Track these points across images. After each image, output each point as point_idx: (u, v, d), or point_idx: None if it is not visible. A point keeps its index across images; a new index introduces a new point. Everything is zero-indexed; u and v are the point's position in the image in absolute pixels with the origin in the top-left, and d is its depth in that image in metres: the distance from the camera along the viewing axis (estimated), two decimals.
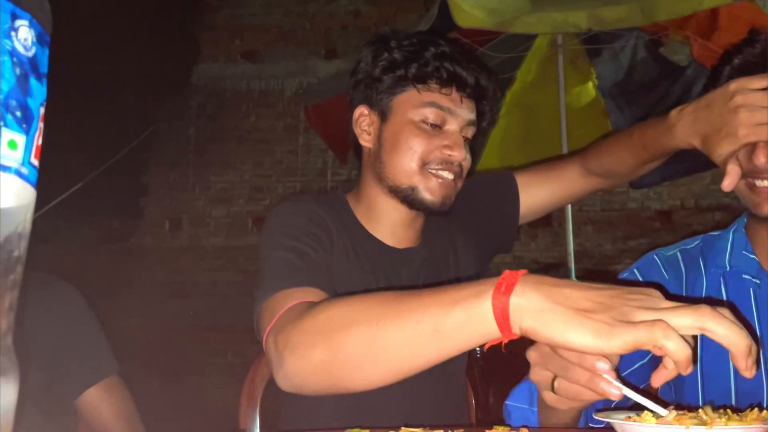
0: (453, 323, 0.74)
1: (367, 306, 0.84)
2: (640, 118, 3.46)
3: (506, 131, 3.89)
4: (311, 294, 1.06)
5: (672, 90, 3.39)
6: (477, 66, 1.31)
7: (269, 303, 1.07)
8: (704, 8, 2.76)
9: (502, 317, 0.71)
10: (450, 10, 2.83)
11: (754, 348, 0.67)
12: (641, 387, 1.16)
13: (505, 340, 0.73)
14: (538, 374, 0.82)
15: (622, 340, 0.65)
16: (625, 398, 0.76)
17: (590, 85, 3.78)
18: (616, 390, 0.73)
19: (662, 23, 3.03)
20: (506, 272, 0.73)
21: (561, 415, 0.95)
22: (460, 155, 1.27)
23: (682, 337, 0.66)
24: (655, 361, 1.17)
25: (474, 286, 0.74)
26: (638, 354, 1.13)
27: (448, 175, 1.28)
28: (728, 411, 0.77)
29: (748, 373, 0.67)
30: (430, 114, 1.27)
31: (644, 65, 3.53)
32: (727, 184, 0.98)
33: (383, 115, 1.31)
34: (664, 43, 3.57)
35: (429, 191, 1.28)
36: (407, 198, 1.30)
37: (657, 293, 0.71)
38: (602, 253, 4.87)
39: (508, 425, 0.96)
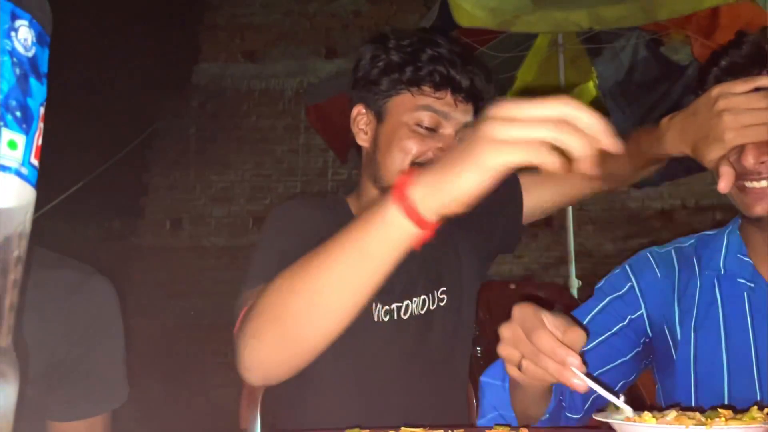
0: (375, 241, 0.80)
1: (295, 269, 0.88)
2: (640, 117, 3.46)
3: None
4: None
5: (673, 89, 3.39)
6: (474, 67, 1.30)
7: (240, 302, 1.11)
8: (705, 7, 2.76)
9: (412, 213, 0.76)
10: (451, 9, 2.83)
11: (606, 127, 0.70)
12: (622, 383, 1.16)
13: (429, 233, 0.78)
14: (506, 351, 0.87)
15: (500, 163, 0.71)
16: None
17: (591, 84, 3.78)
18: (582, 383, 0.78)
19: (663, 22, 3.03)
20: (397, 181, 0.78)
21: (529, 390, 0.97)
22: None
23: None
24: (639, 358, 1.17)
25: (375, 207, 0.80)
26: (619, 351, 1.14)
27: None
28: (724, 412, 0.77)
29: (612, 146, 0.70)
30: (425, 117, 1.27)
31: (645, 65, 3.53)
32: (723, 186, 1.00)
33: (379, 116, 1.32)
34: (664, 43, 3.57)
35: None
36: None
37: (501, 107, 0.75)
38: (603, 252, 4.87)
39: (508, 425, 0.97)
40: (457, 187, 0.73)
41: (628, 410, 0.80)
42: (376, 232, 0.79)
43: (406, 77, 1.27)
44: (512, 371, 0.87)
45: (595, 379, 0.81)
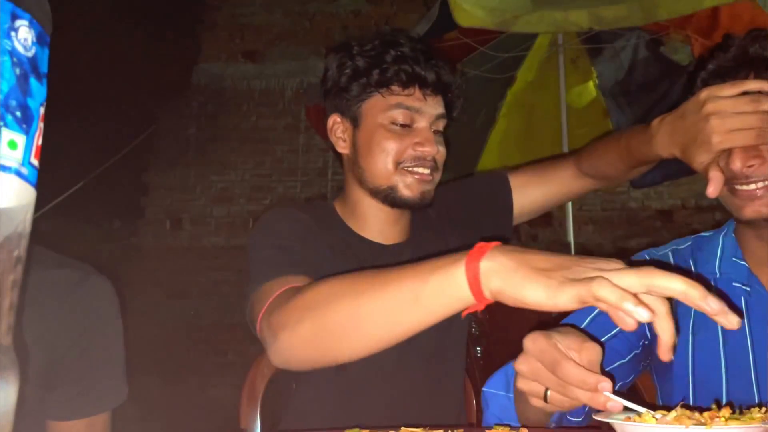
0: (431, 290, 0.80)
1: (351, 281, 0.90)
2: (640, 117, 3.46)
3: (507, 131, 3.89)
4: (299, 280, 1.11)
5: (673, 89, 3.38)
6: (438, 60, 1.36)
7: (260, 293, 1.12)
8: (705, 7, 2.76)
9: (474, 280, 0.75)
10: (450, 9, 2.83)
11: (707, 293, 0.68)
12: (619, 384, 1.16)
13: (481, 307, 0.77)
14: (529, 386, 0.84)
15: (569, 296, 0.70)
16: None
17: (591, 84, 3.78)
18: (618, 405, 0.76)
19: (663, 22, 3.03)
20: (479, 243, 0.78)
21: (538, 409, 0.96)
22: (432, 150, 1.32)
23: (647, 301, 0.69)
24: (637, 360, 1.17)
25: (451, 256, 0.80)
26: (618, 353, 1.14)
27: (424, 170, 1.33)
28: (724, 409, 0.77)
29: (711, 309, 0.67)
30: (398, 115, 1.32)
31: (645, 64, 3.53)
32: (711, 190, 0.99)
33: (355, 122, 1.37)
34: (664, 43, 3.56)
35: (407, 188, 1.33)
36: (388, 197, 1.35)
37: (617, 261, 0.75)
38: (603, 252, 4.87)
39: (508, 425, 0.97)
40: (519, 291, 0.73)
41: (655, 415, 0.78)
42: (436, 283, 0.79)
43: (374, 80, 1.33)
44: (536, 402, 0.84)
45: (621, 394, 0.79)
